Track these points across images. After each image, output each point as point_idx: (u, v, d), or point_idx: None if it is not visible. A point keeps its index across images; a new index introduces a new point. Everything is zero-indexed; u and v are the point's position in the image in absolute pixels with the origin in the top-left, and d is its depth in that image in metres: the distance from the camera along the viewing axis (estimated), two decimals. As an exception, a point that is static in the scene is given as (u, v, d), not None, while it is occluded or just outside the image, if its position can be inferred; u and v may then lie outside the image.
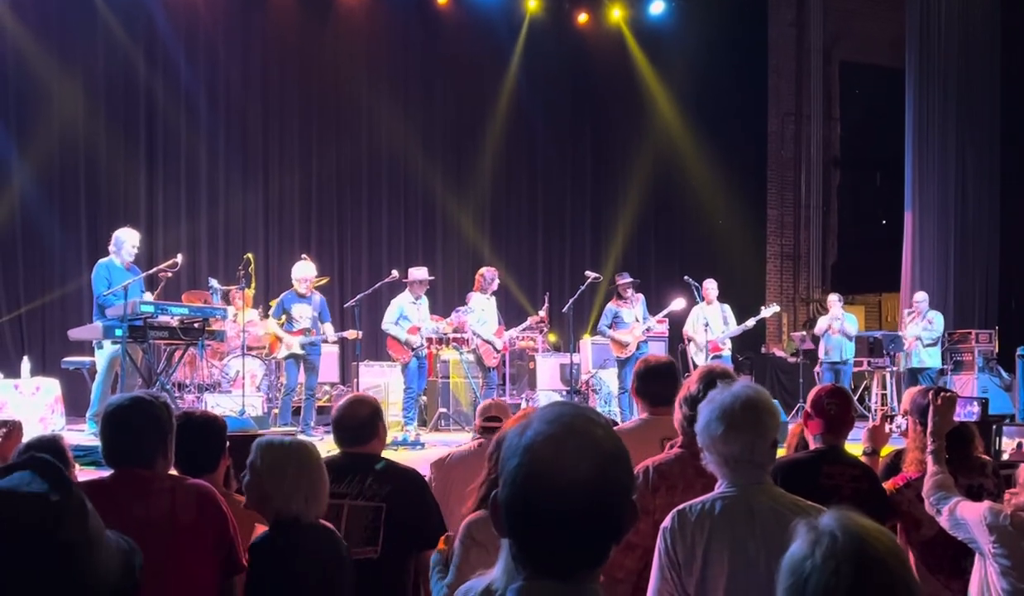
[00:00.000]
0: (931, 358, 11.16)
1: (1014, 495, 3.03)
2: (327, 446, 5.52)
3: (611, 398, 10.79)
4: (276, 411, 9.24)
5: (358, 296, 9.72)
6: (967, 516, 3.03)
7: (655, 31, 14.34)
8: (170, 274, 8.60)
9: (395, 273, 9.81)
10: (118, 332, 7.37)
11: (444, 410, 10.04)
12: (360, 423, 3.43)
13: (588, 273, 10.36)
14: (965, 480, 3.39)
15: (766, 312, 11.08)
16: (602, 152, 14.48)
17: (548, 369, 11.44)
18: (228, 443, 3.29)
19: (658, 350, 10.70)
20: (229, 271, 10.89)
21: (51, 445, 3.44)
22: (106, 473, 2.84)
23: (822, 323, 11.53)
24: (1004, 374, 11.76)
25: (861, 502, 2.75)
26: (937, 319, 11.26)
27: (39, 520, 1.16)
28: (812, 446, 3.41)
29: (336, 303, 11.47)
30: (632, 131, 14.42)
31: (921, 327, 11.22)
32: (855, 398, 11.78)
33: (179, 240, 11.02)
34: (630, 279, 10.33)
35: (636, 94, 14.37)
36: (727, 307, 10.59)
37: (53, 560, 1.16)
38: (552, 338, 12.38)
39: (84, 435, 7.44)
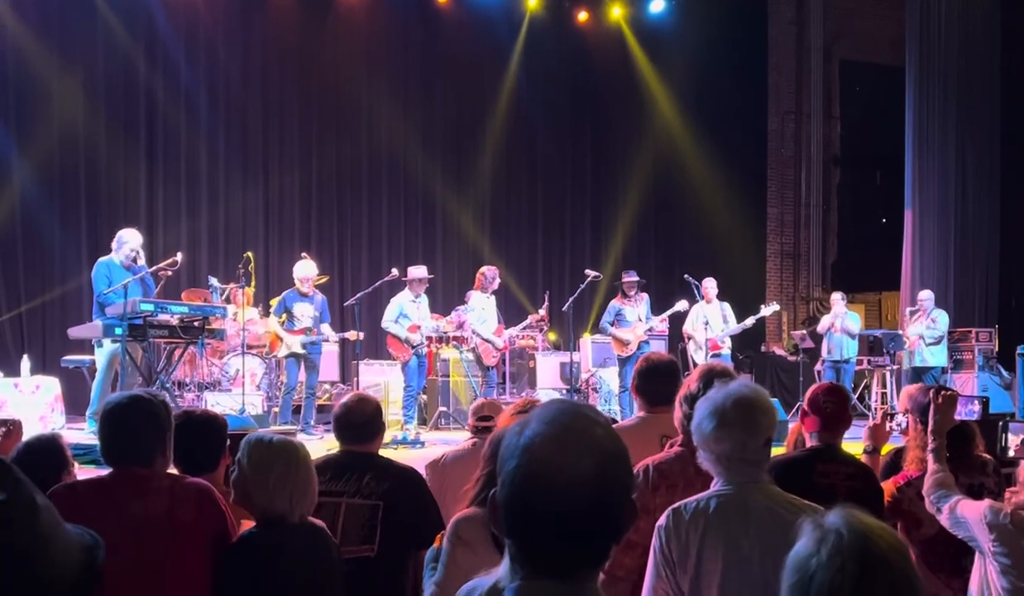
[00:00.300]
0: (934, 357, 11.14)
1: (1014, 493, 3.03)
2: (327, 444, 5.53)
3: (611, 397, 10.79)
4: (276, 410, 9.24)
5: (358, 295, 9.72)
6: (967, 514, 3.02)
7: (655, 30, 14.33)
8: (170, 273, 8.60)
9: (395, 272, 9.82)
10: (118, 331, 7.38)
11: (444, 409, 10.04)
12: (365, 421, 3.43)
13: (588, 272, 10.36)
14: (966, 479, 3.38)
15: (766, 311, 11.08)
16: (602, 151, 14.48)
17: (548, 368, 11.44)
18: (228, 442, 3.28)
19: (658, 349, 10.70)
20: (229, 270, 10.90)
21: (50, 443, 3.44)
22: (105, 472, 2.84)
23: (825, 321, 11.52)
24: (1004, 372, 11.76)
25: (856, 501, 2.75)
26: (941, 318, 11.23)
27: None
28: (809, 444, 3.41)
29: (336, 302, 11.48)
30: (632, 130, 14.42)
31: (924, 326, 11.20)
32: (855, 397, 11.82)
33: (179, 239, 11.03)
34: (636, 278, 10.34)
35: (636, 93, 14.36)
36: (727, 305, 10.59)
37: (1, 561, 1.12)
38: (552, 337, 12.38)
39: (84, 433, 7.44)
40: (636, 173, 14.39)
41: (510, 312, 11.65)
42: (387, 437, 6.62)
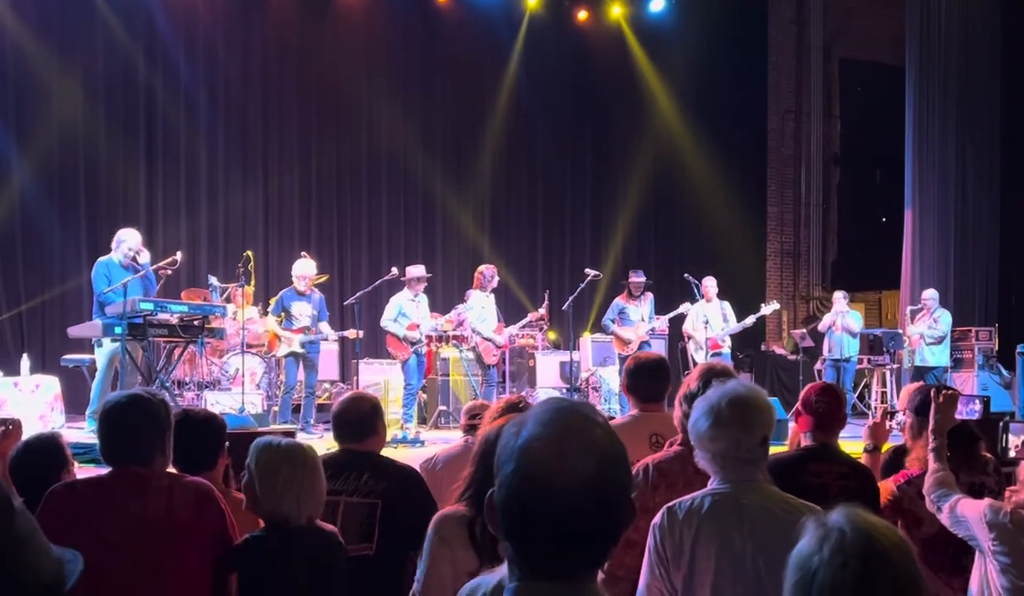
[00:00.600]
0: (934, 356, 11.14)
1: (1014, 492, 3.03)
2: (327, 444, 5.53)
3: (611, 396, 10.80)
4: (276, 409, 9.24)
5: (358, 294, 9.71)
6: (967, 513, 3.03)
7: (655, 28, 14.32)
8: (170, 272, 8.60)
9: (395, 271, 9.82)
10: (118, 330, 7.38)
11: (444, 408, 10.03)
12: (360, 419, 3.44)
13: (588, 271, 10.35)
14: (967, 478, 3.38)
15: (766, 309, 11.09)
16: (602, 150, 14.47)
17: (548, 367, 11.43)
18: (227, 441, 3.28)
19: (659, 348, 10.74)
20: (229, 269, 10.89)
21: (50, 442, 3.44)
22: (105, 471, 2.84)
23: (826, 319, 11.51)
24: (1004, 372, 11.76)
25: (851, 501, 2.75)
26: (944, 319, 11.21)
27: None
28: (803, 443, 3.42)
29: (336, 301, 11.48)
30: (632, 129, 14.42)
31: (926, 325, 11.20)
32: (855, 395, 11.80)
33: (179, 238, 11.03)
34: (643, 279, 10.37)
35: (636, 92, 14.36)
36: (727, 304, 10.60)
37: None
38: (552, 336, 12.38)
39: (84, 432, 7.44)
40: (636, 172, 14.39)
41: (510, 311, 11.65)
42: (387, 436, 6.61)
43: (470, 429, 4.07)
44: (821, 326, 11.60)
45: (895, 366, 11.78)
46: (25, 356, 8.56)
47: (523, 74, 13.55)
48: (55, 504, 2.70)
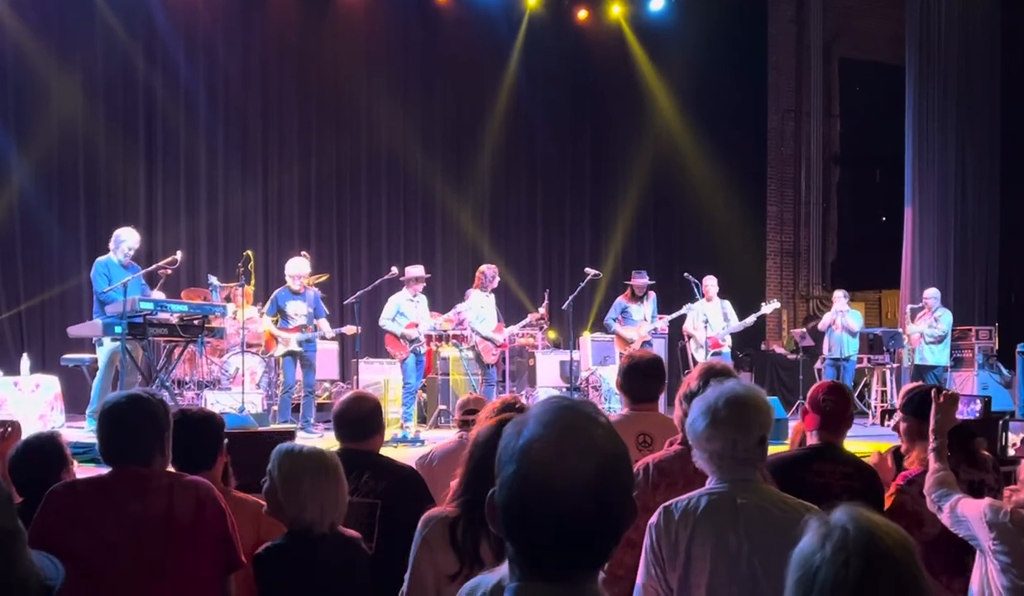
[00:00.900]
0: (934, 355, 11.14)
1: (1015, 492, 3.03)
2: (327, 443, 5.52)
3: (611, 395, 10.79)
4: (275, 408, 9.23)
5: (358, 293, 9.71)
6: (967, 513, 3.02)
7: (655, 28, 14.32)
8: (169, 271, 8.60)
9: (394, 270, 9.82)
10: (118, 329, 7.38)
11: (444, 407, 10.03)
12: (360, 418, 3.44)
13: (588, 270, 10.36)
14: (966, 475, 3.39)
15: (767, 309, 11.09)
16: (602, 149, 14.47)
17: (548, 366, 11.42)
18: (227, 440, 3.28)
19: (659, 347, 10.75)
20: (229, 268, 10.88)
21: (50, 442, 3.44)
22: (105, 470, 2.84)
23: (826, 318, 11.52)
24: (1004, 371, 11.76)
25: (852, 501, 2.74)
26: (945, 317, 11.21)
27: None
28: (809, 442, 3.41)
29: (336, 300, 11.48)
30: (632, 128, 14.41)
31: (927, 323, 11.20)
32: (855, 394, 11.81)
33: (178, 237, 11.02)
34: (646, 280, 10.38)
35: (636, 91, 14.35)
36: (727, 303, 10.61)
37: None
38: (552, 335, 12.37)
39: (84, 432, 7.45)
40: (636, 171, 14.38)
41: (510, 310, 11.65)
42: (387, 435, 6.61)
43: (464, 424, 4.07)
44: (821, 325, 11.60)
45: (895, 365, 11.79)
46: (25, 356, 8.56)
47: (523, 74, 13.55)
48: (55, 504, 2.70)
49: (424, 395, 10.28)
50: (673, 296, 11.53)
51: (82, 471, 3.73)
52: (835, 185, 16.45)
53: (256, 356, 9.71)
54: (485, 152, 13.46)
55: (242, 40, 12.17)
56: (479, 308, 9.77)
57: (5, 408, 7.71)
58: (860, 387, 12.25)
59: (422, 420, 9.95)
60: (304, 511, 2.74)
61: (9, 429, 3.25)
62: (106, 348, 7.74)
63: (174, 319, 7.71)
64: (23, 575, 1.23)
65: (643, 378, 3.76)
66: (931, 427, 3.30)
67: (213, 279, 9.88)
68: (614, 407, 10.21)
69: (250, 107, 12.20)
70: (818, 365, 11.78)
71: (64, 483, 2.99)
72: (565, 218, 14.30)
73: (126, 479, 2.74)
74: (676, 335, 11.64)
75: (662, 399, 4.15)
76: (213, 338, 8.86)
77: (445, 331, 9.78)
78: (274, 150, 12.36)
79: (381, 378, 10.29)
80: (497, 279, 10.00)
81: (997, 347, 12.11)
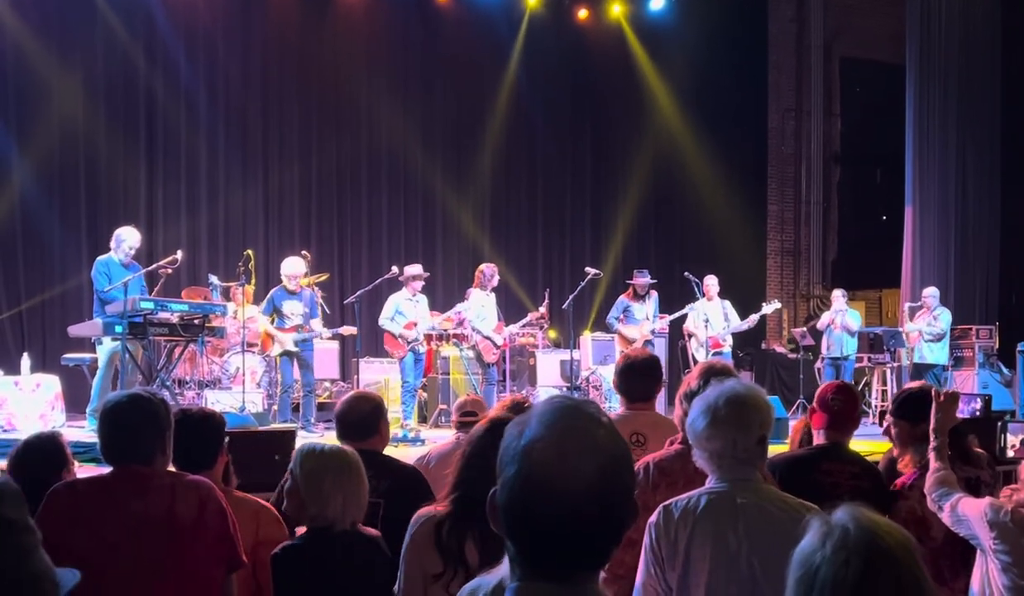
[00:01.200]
0: (934, 354, 11.14)
1: (1015, 491, 3.03)
2: (328, 442, 5.51)
3: (612, 394, 10.79)
4: (276, 408, 9.23)
5: (358, 292, 9.71)
6: (968, 512, 3.03)
7: (655, 27, 14.32)
8: (170, 271, 8.59)
9: (395, 269, 9.82)
10: (118, 329, 7.37)
11: (444, 406, 10.02)
12: (361, 418, 3.44)
13: (588, 269, 10.36)
14: (961, 473, 3.38)
15: (767, 308, 11.09)
16: (602, 148, 14.47)
17: (548, 365, 11.42)
18: (227, 440, 3.28)
19: (660, 346, 10.76)
20: (229, 267, 10.88)
21: (50, 442, 3.44)
22: (106, 470, 2.84)
23: (825, 317, 11.52)
24: (1004, 370, 11.76)
25: (861, 501, 2.74)
26: (943, 316, 11.21)
27: None
28: (816, 441, 3.41)
29: (336, 299, 11.47)
30: (632, 127, 14.41)
31: (926, 322, 11.20)
32: (855, 394, 11.75)
33: (179, 237, 11.02)
34: (648, 280, 10.38)
35: (636, 90, 14.35)
36: (728, 303, 10.61)
37: None
38: (552, 334, 12.37)
39: (84, 431, 7.43)
40: (636, 171, 14.38)
41: (510, 309, 11.64)
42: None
43: (462, 426, 4.08)
44: (820, 324, 11.61)
45: (895, 364, 11.78)
46: (25, 355, 8.56)
47: (523, 73, 13.55)
48: (56, 504, 2.70)
49: (424, 394, 10.28)
50: (674, 295, 11.53)
51: (83, 471, 3.73)
52: (835, 184, 16.45)
53: (256, 355, 9.71)
54: (485, 152, 13.46)
55: (242, 40, 12.17)
56: (480, 307, 9.77)
57: (5, 407, 7.72)
58: (860, 386, 12.24)
59: (422, 419, 9.95)
60: (326, 508, 2.77)
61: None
62: (106, 347, 7.74)
63: (174, 318, 7.70)
64: (35, 571, 1.24)
65: (639, 377, 3.77)
66: (931, 426, 3.29)
67: (213, 278, 9.88)
68: (614, 406, 10.20)
69: (250, 107, 12.20)
70: (817, 364, 11.78)
71: (65, 483, 3.00)
72: (565, 217, 14.30)
73: (127, 479, 2.74)
74: (676, 335, 11.64)
75: (662, 398, 4.16)
76: (213, 337, 8.86)
77: (445, 330, 9.78)
78: (274, 149, 12.36)
79: (381, 377, 10.29)
80: (496, 277, 10.00)
81: (998, 346, 12.11)
